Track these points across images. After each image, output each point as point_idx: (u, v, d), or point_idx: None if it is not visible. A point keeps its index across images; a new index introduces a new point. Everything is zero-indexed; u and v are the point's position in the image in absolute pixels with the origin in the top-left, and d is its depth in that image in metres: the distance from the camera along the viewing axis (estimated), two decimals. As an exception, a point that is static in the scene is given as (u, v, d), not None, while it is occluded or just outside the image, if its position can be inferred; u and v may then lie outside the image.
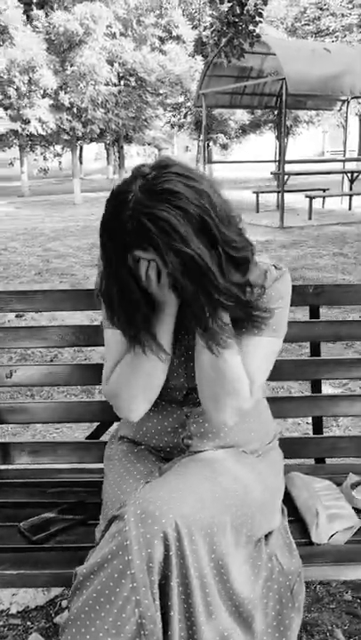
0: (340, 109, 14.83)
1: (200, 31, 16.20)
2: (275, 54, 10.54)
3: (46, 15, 13.50)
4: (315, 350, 1.80)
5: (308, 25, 17.40)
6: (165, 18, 15.87)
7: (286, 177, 12.20)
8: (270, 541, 1.33)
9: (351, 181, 13.41)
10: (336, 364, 1.76)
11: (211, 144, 26.17)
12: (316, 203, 13.77)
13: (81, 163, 31.73)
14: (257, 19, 5.61)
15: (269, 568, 1.26)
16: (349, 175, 13.45)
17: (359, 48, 11.59)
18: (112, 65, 15.05)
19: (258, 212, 12.98)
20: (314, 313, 1.79)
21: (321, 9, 16.95)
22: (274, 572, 1.25)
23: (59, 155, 21.12)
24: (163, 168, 1.11)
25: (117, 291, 1.18)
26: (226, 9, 5.25)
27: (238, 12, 5.20)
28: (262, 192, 13.24)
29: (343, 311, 4.94)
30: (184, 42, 16.28)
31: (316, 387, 1.81)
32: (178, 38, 16.56)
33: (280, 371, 1.74)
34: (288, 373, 1.75)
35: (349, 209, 13.13)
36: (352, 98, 13.92)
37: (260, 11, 5.53)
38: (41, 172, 21.08)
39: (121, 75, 16.02)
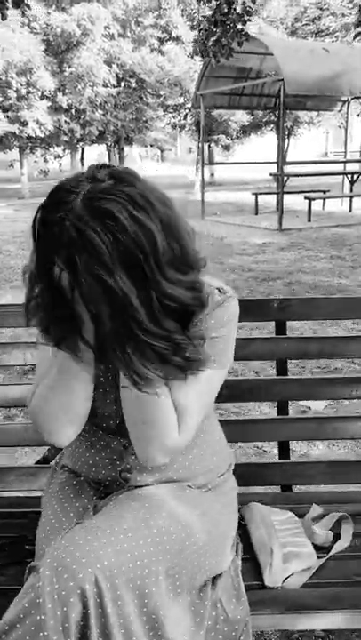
0: (341, 110, 14.68)
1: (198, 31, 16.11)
2: (273, 54, 10.42)
3: (22, 14, 13.39)
4: (281, 369, 1.68)
5: (309, 25, 17.23)
6: (164, 18, 15.78)
7: (286, 178, 12.07)
8: (218, 585, 1.21)
9: (352, 183, 13.27)
10: (303, 384, 1.64)
11: (212, 145, 26.07)
12: (317, 204, 13.64)
13: (83, 164, 31.76)
14: (245, 17, 5.48)
15: (214, 616, 1.14)
16: (350, 177, 13.31)
17: (358, 48, 11.46)
18: (110, 66, 14.96)
19: (257, 213, 12.86)
20: (280, 329, 1.67)
21: (321, 9, 16.78)
22: (218, 622, 1.13)
23: (59, 156, 21.07)
24: (119, 182, 0.96)
25: (42, 290, 1.03)
26: (213, 8, 5.12)
27: (226, 10, 5.07)
28: (261, 193, 13.11)
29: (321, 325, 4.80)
30: (183, 42, 16.17)
31: (282, 408, 1.69)
32: (177, 39, 16.45)
33: (242, 391, 1.62)
34: (251, 394, 1.63)
35: (350, 211, 12.98)
36: (352, 98, 13.79)
37: (248, 9, 5.39)
38: (41, 174, 21.03)
39: (121, 76, 15.94)
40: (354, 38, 4.28)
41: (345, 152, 14.57)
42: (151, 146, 35.87)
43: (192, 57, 14.93)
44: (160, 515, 1.14)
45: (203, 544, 1.17)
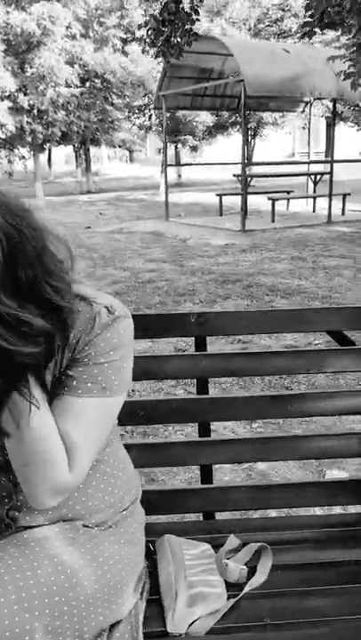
0: (304, 111, 14.74)
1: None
2: (233, 55, 10.37)
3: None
4: (202, 387, 1.58)
5: (271, 26, 17.24)
6: (127, 19, 15.62)
7: (249, 179, 12.04)
8: (114, 634, 1.10)
9: (315, 183, 13.33)
10: (224, 404, 1.54)
11: (179, 146, 26.00)
12: (282, 205, 13.68)
13: (50, 166, 31.35)
14: (193, 16, 5.38)
15: (107, 672, 1.03)
16: (313, 177, 13.37)
17: (319, 49, 11.49)
18: (72, 66, 14.75)
19: (221, 214, 12.82)
20: (200, 345, 1.57)
21: (283, 10, 16.81)
22: None
23: (24, 158, 20.75)
24: None
25: None
26: (159, 7, 5.02)
27: (174, 9, 4.96)
28: (225, 194, 13.07)
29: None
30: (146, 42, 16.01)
31: (204, 430, 1.59)
32: (140, 39, 16.28)
33: (160, 412, 1.52)
34: (170, 415, 1.53)
35: (313, 211, 13.04)
36: (315, 99, 13.86)
37: (196, 8, 5.29)
38: (6, 176, 20.69)
39: (85, 77, 15.73)
40: (300, 39, 4.24)
41: (308, 153, 14.64)
42: (119, 147, 35.69)
43: (155, 57, 14.85)
44: (42, 563, 1.03)
45: (92, 593, 1.06)
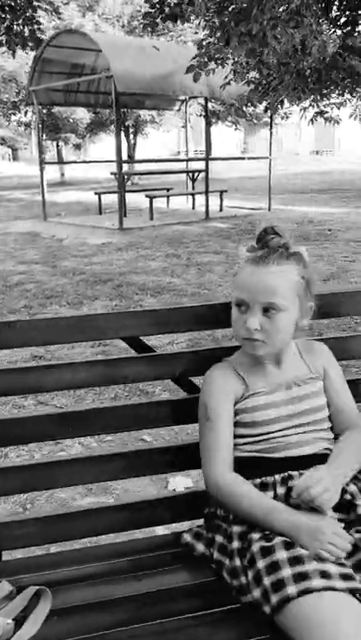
0: (180, 109, 14.83)
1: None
2: (101, 51, 10.17)
3: None
4: None
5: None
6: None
7: (127, 177, 11.91)
8: None
9: (193, 180, 13.45)
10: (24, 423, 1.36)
11: (61, 144, 25.37)
12: (163, 203, 13.68)
13: None
14: (34, 3, 5.11)
15: None
16: (191, 174, 13.49)
17: (190, 47, 11.57)
18: None
19: (101, 213, 12.58)
20: None
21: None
22: None
23: None
24: None
25: None
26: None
27: (13, -5, 4.68)
28: (104, 193, 12.85)
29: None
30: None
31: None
32: None
33: None
34: None
35: (193, 208, 13.15)
36: (190, 98, 13.97)
37: (36, -6, 5.05)
38: None
39: None
40: (143, 29, 4.15)
41: (187, 151, 14.76)
42: (1, 144, 34.26)
43: (27, 51, 14.26)
44: None
45: None
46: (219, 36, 3.98)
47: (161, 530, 1.78)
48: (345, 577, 1.09)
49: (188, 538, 1.37)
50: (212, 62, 5.27)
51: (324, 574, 1.08)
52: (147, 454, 1.46)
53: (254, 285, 1.30)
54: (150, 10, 4.13)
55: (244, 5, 3.62)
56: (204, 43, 4.99)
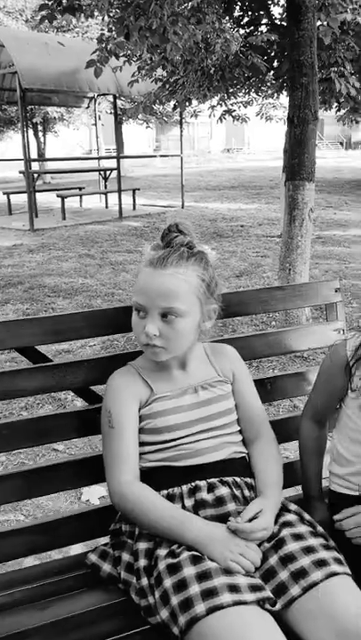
0: (89, 106, 14.59)
1: None
2: (3, 46, 9.80)
3: None
4: None
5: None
6: None
7: (37, 176, 11.57)
8: None
9: (105, 179, 13.29)
10: None
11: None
12: (75, 202, 13.41)
13: None
14: None
15: None
16: (103, 173, 13.32)
17: (94, 44, 11.38)
18: None
19: (10, 214, 12.16)
20: None
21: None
22: None
23: None
24: None
25: None
26: None
27: None
28: (13, 193, 12.43)
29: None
30: None
31: None
32: None
33: None
34: None
35: (106, 207, 12.99)
36: (99, 95, 13.77)
37: None
38: None
39: None
40: (40, 21, 3.99)
41: (98, 149, 14.56)
42: None
43: None
44: None
45: None
46: (118, 29, 3.90)
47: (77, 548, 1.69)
48: (254, 588, 1.06)
49: (93, 558, 1.29)
50: (114, 57, 5.17)
51: (233, 588, 1.04)
52: (54, 470, 1.37)
53: (152, 290, 1.24)
54: (47, 1, 3.97)
55: (142, 0, 3.56)
56: (103, 37, 4.89)
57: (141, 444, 1.29)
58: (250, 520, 1.17)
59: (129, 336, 4.28)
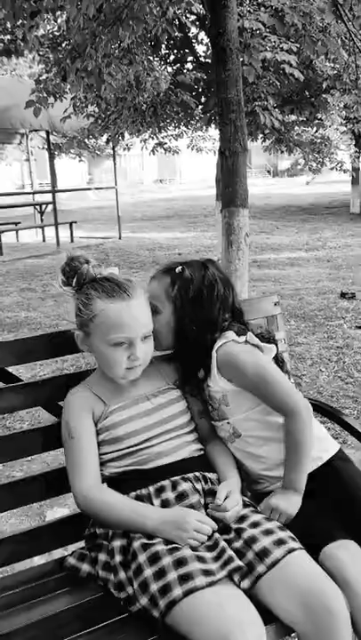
0: (21, 142, 14.66)
1: None
2: None
3: None
4: None
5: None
6: None
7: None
8: None
9: (41, 213, 13.32)
10: None
11: None
12: (11, 237, 13.34)
13: None
14: None
15: None
16: (39, 207, 13.35)
17: (26, 82, 11.54)
18: None
19: None
20: None
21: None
22: None
23: None
24: None
25: None
26: None
27: None
28: None
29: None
30: None
31: None
32: None
33: None
34: None
35: (43, 241, 12.99)
36: (31, 131, 13.87)
37: None
38: None
39: None
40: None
41: (32, 184, 14.59)
42: None
43: None
44: None
45: None
46: (55, 72, 4.08)
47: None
48: (225, 563, 1.20)
49: (72, 561, 1.39)
50: (52, 97, 5.35)
51: (207, 572, 1.17)
52: (19, 485, 1.45)
53: (135, 320, 1.38)
54: (-19, 45, 4.12)
55: (78, 43, 3.76)
56: (41, 78, 5.06)
57: (105, 454, 1.40)
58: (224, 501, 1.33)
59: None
